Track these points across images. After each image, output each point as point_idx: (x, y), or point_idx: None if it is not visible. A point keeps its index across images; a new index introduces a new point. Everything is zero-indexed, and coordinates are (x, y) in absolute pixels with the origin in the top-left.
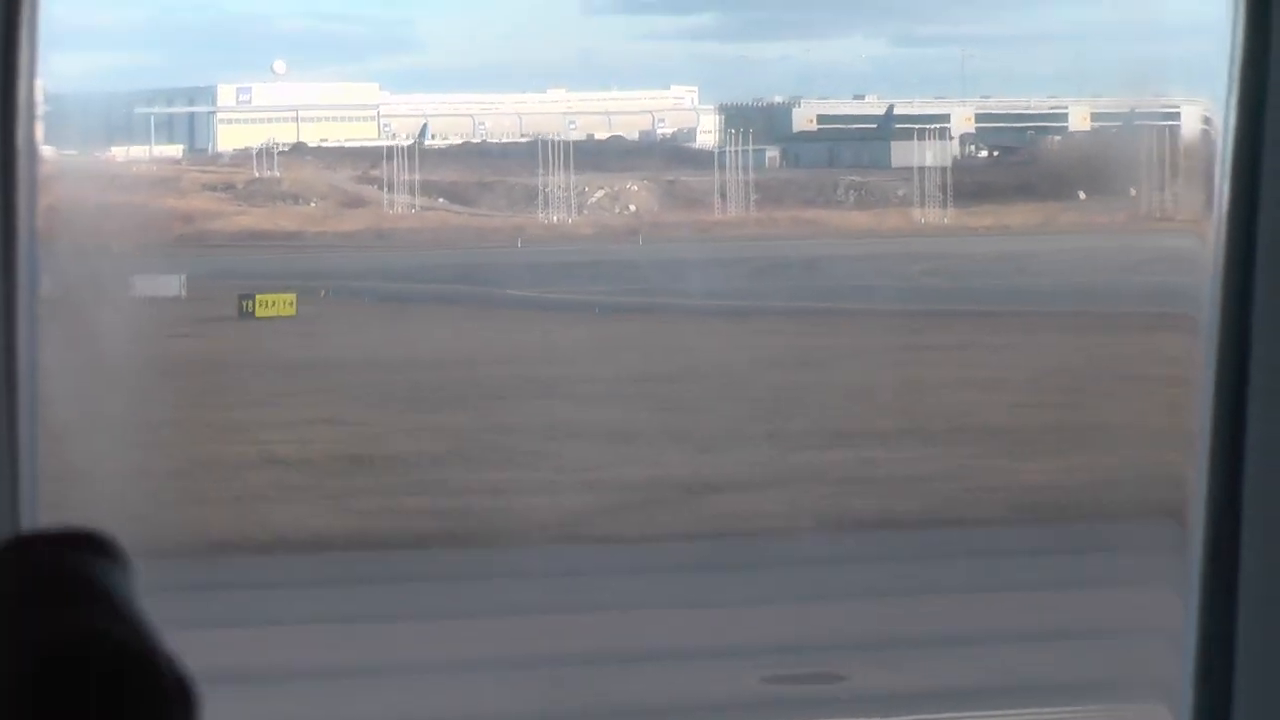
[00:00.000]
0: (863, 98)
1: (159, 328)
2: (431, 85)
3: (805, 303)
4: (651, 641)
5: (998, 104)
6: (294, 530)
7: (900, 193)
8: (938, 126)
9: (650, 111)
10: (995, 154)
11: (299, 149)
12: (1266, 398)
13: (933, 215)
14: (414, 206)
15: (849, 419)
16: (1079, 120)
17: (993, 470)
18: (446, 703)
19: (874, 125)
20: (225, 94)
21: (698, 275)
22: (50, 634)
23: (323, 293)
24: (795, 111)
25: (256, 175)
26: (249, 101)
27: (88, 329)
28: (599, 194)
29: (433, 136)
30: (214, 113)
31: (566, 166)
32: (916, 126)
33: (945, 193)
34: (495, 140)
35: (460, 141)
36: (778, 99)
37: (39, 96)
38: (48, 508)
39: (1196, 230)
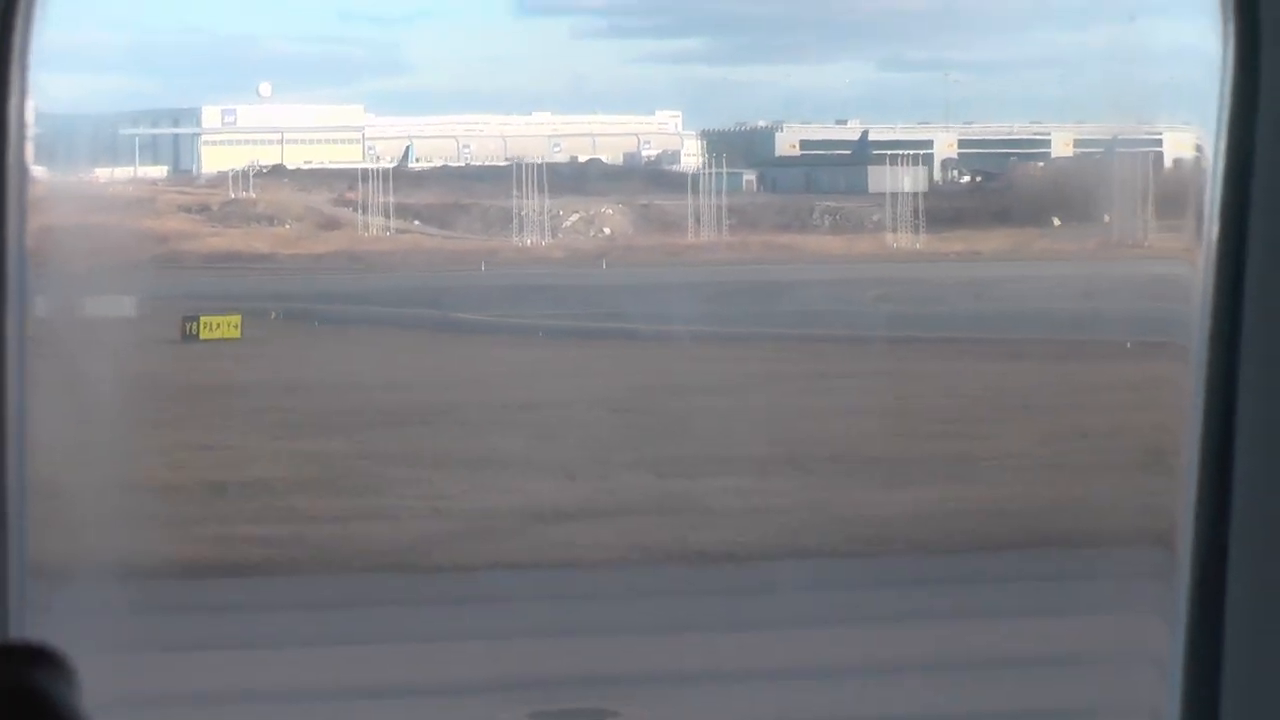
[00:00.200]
0: (845, 123)
1: (94, 348)
2: (422, 108)
3: (748, 328)
4: (426, 674)
5: (981, 130)
6: (128, 556)
7: (875, 218)
8: (920, 152)
9: (635, 135)
10: (978, 179)
11: (277, 171)
12: (1254, 424)
13: (905, 240)
14: (389, 229)
15: (733, 447)
16: (1061, 146)
17: (852, 501)
18: None
19: (864, 150)
20: (210, 116)
21: (653, 300)
22: None
23: (273, 315)
24: (778, 136)
25: (232, 197)
26: (234, 123)
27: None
28: (574, 217)
29: (416, 159)
30: (199, 134)
31: (544, 190)
32: (899, 152)
33: (920, 218)
34: (478, 163)
35: (439, 164)
36: (760, 123)
37: (30, 117)
38: None
39: (1164, 256)
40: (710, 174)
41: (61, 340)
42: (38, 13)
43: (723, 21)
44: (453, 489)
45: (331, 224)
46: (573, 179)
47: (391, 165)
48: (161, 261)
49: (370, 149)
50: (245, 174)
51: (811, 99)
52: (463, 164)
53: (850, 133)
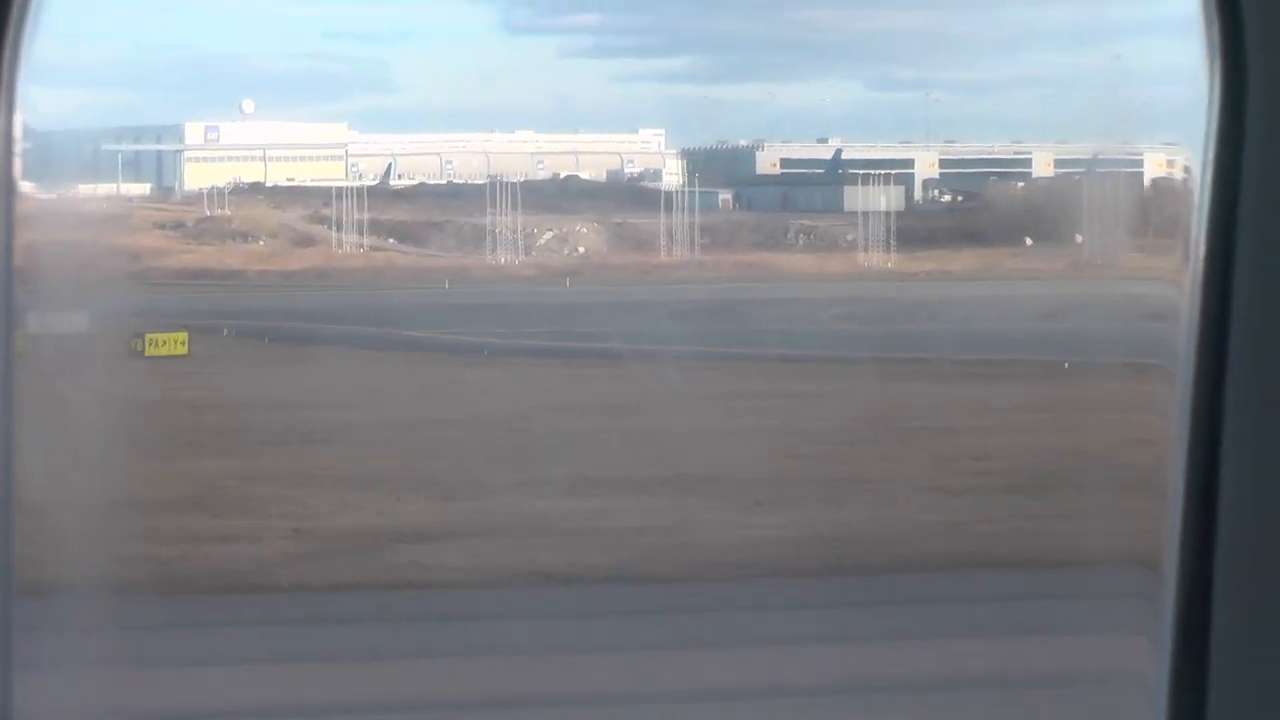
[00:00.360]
0: (826, 142)
1: (30, 363)
2: (407, 126)
3: (694, 347)
4: (237, 699)
5: (962, 149)
6: None
7: (849, 237)
8: (901, 171)
9: (618, 153)
10: (959, 199)
11: (254, 188)
12: (1241, 447)
13: (876, 259)
14: (363, 246)
15: (620, 468)
16: (1042, 166)
17: (718, 524)
18: None
19: (839, 170)
20: (193, 133)
21: (610, 318)
22: None
23: (225, 332)
24: (759, 155)
25: (207, 214)
26: (217, 140)
27: None
28: (548, 235)
29: (399, 176)
30: (181, 151)
31: (520, 207)
32: (879, 171)
33: (893, 237)
34: (458, 181)
35: (416, 182)
36: (741, 143)
37: (18, 132)
38: None
39: (1132, 275)
40: (685, 193)
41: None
42: (28, 27)
43: (709, 41)
44: (323, 508)
45: (306, 241)
46: (550, 197)
47: (374, 182)
48: (132, 278)
49: (354, 166)
50: (220, 191)
51: (797, 118)
52: (444, 182)
53: (831, 152)
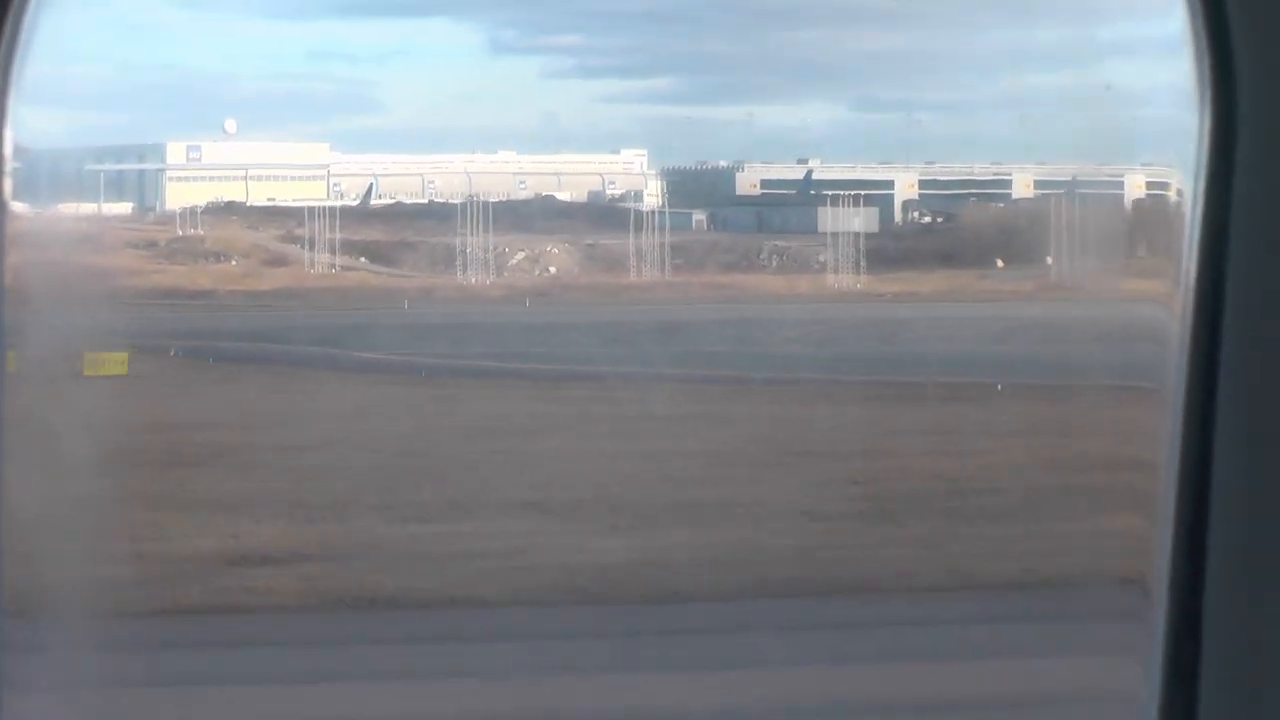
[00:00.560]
0: (806, 162)
1: None
2: (391, 146)
3: (635, 368)
4: None
5: (942, 170)
6: None
7: (821, 258)
8: (880, 193)
9: (600, 174)
10: (939, 220)
11: (230, 207)
12: (1232, 467)
13: (846, 281)
14: (335, 266)
15: (489, 492)
16: (1022, 187)
17: (564, 548)
18: None
19: (821, 190)
20: (175, 152)
21: (563, 339)
22: None
23: (173, 352)
24: (738, 176)
25: (180, 234)
26: (199, 159)
27: None
28: (519, 256)
29: (379, 196)
30: (163, 171)
31: (495, 228)
32: (858, 192)
33: (864, 259)
34: (439, 201)
35: (392, 202)
36: (721, 163)
37: (8, 150)
38: None
39: (1097, 298)
40: (658, 213)
41: None
42: (20, 48)
43: (694, 62)
44: (175, 532)
45: (278, 261)
46: (526, 217)
47: (355, 203)
48: (96, 298)
49: (336, 186)
50: (194, 210)
51: (780, 139)
52: (425, 201)
53: (812, 172)
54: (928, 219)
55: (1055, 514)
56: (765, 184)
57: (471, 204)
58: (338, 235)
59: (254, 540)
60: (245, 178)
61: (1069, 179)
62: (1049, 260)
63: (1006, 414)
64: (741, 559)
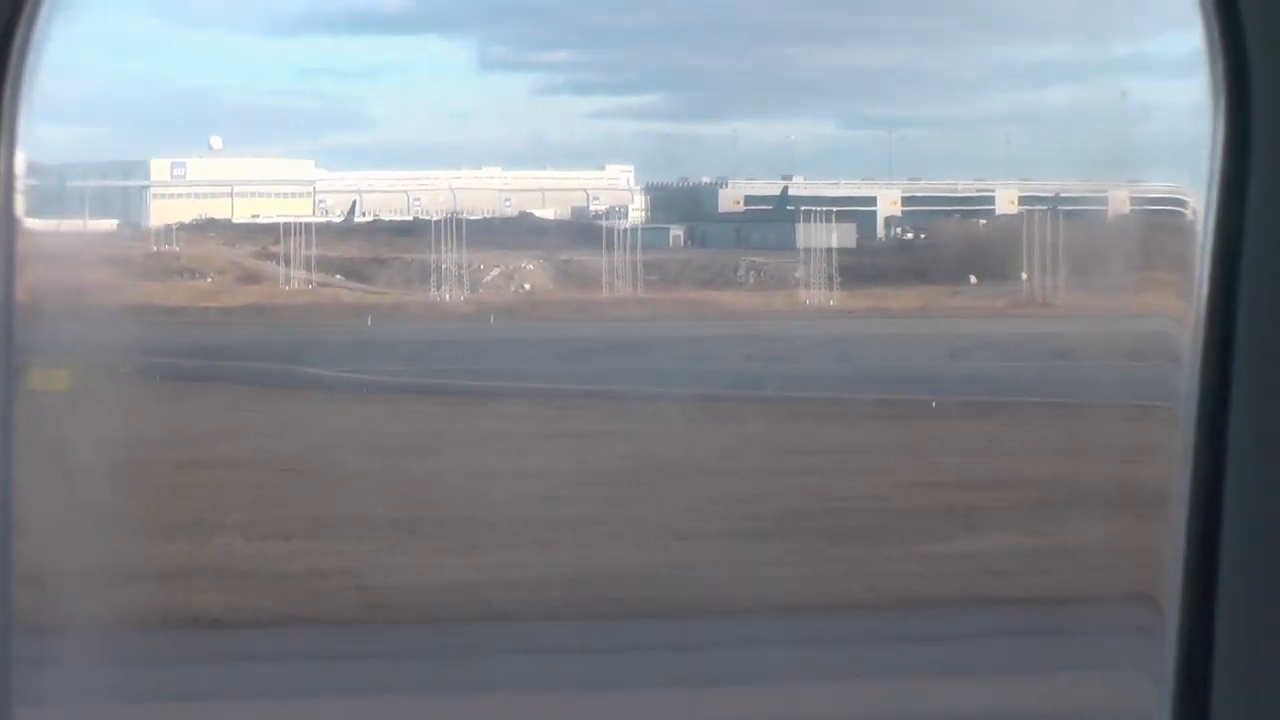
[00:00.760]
0: (790, 179)
1: None
2: (378, 162)
3: (577, 385)
4: None
5: (926, 186)
6: None
7: (798, 274)
8: (863, 209)
9: (585, 190)
10: (921, 236)
11: (208, 224)
12: (1244, 479)
13: (819, 297)
14: (310, 283)
15: (362, 510)
16: (1005, 203)
17: (413, 567)
18: None
19: (797, 207)
20: (159, 169)
21: (518, 355)
22: None
23: (121, 369)
24: (721, 192)
25: (154, 250)
26: (183, 176)
27: None
28: (495, 272)
29: (363, 213)
30: (148, 187)
31: (473, 244)
32: (841, 209)
33: (840, 275)
34: (426, 217)
35: (371, 218)
36: (704, 179)
37: (20, 168)
38: None
39: (1067, 314)
40: (639, 229)
41: None
42: (30, 63)
43: (685, 78)
44: (26, 550)
45: (253, 278)
46: (505, 233)
47: (340, 219)
48: (63, 314)
49: (321, 203)
50: (170, 227)
51: (768, 155)
52: (408, 218)
53: (795, 188)
54: (910, 235)
55: (924, 535)
56: (749, 200)
57: (450, 220)
58: (314, 252)
59: (99, 559)
60: (231, 194)
61: (1052, 195)
62: (1023, 276)
63: (927, 432)
64: (583, 578)
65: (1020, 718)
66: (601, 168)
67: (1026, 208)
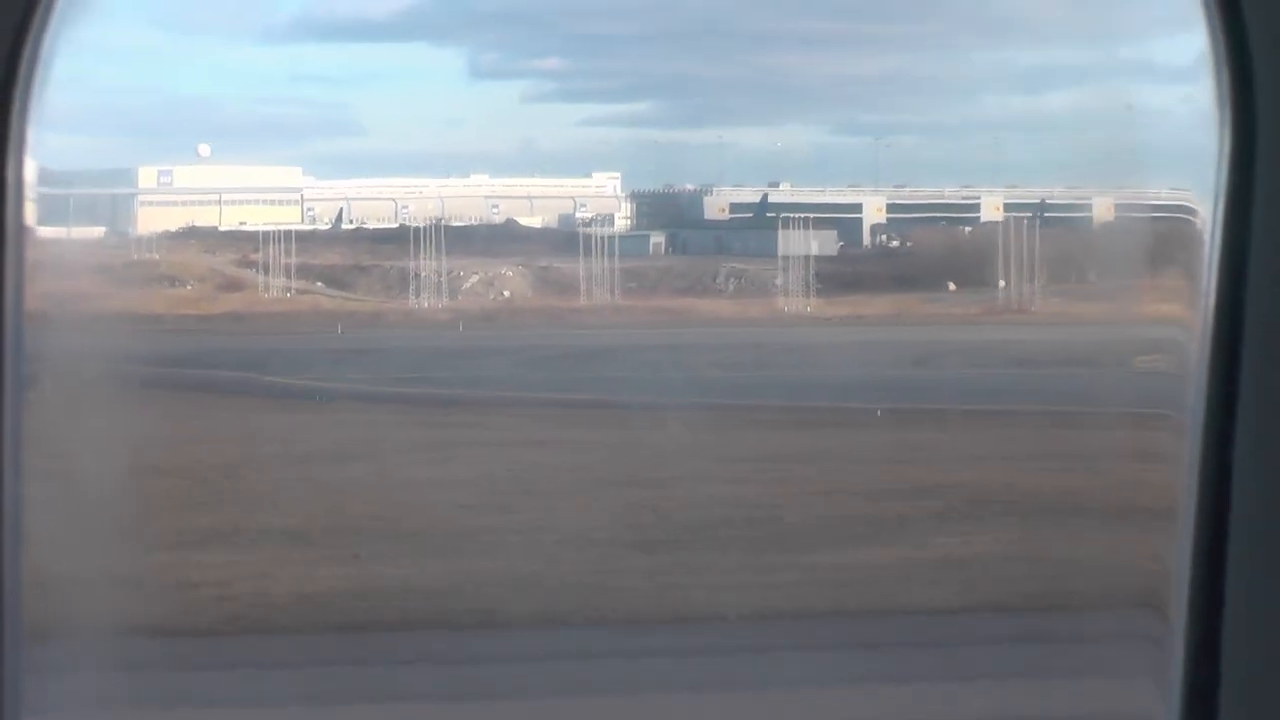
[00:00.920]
0: (777, 186)
1: None
2: (368, 170)
3: (533, 393)
4: None
5: (912, 193)
6: None
7: (777, 281)
8: (849, 216)
9: (572, 197)
10: (907, 243)
11: (190, 231)
12: (1251, 488)
13: (796, 304)
14: (290, 290)
15: (268, 520)
16: (991, 210)
17: (291, 578)
18: None
19: (785, 214)
20: (147, 176)
21: (484, 364)
22: None
23: (82, 377)
24: (707, 200)
25: (136, 258)
26: (170, 184)
27: None
28: (474, 279)
29: (351, 221)
30: (135, 195)
31: (454, 251)
32: (826, 216)
33: (820, 282)
34: (412, 224)
35: (355, 226)
36: (689, 186)
37: (31, 177)
38: None
39: (1040, 322)
40: (621, 237)
41: None
42: (40, 70)
43: (676, 85)
44: None
45: (233, 285)
46: (487, 240)
47: (327, 227)
48: (38, 323)
49: (309, 210)
50: (152, 235)
51: (756, 162)
52: (394, 225)
53: (781, 195)
54: (895, 242)
55: (837, 543)
56: (734, 207)
57: (433, 228)
58: (296, 259)
59: None
60: (219, 202)
61: (1038, 202)
62: (1002, 284)
63: (867, 440)
64: (454, 589)
65: None
66: (588, 175)
67: (1013, 215)
